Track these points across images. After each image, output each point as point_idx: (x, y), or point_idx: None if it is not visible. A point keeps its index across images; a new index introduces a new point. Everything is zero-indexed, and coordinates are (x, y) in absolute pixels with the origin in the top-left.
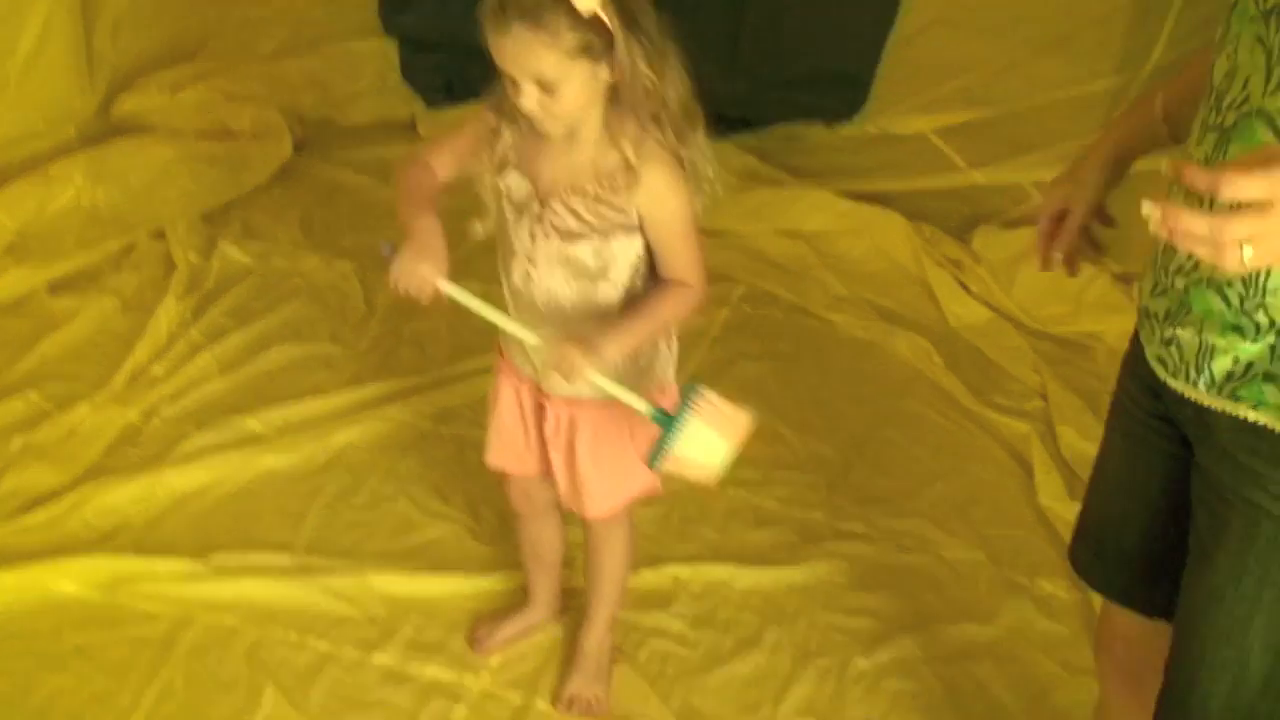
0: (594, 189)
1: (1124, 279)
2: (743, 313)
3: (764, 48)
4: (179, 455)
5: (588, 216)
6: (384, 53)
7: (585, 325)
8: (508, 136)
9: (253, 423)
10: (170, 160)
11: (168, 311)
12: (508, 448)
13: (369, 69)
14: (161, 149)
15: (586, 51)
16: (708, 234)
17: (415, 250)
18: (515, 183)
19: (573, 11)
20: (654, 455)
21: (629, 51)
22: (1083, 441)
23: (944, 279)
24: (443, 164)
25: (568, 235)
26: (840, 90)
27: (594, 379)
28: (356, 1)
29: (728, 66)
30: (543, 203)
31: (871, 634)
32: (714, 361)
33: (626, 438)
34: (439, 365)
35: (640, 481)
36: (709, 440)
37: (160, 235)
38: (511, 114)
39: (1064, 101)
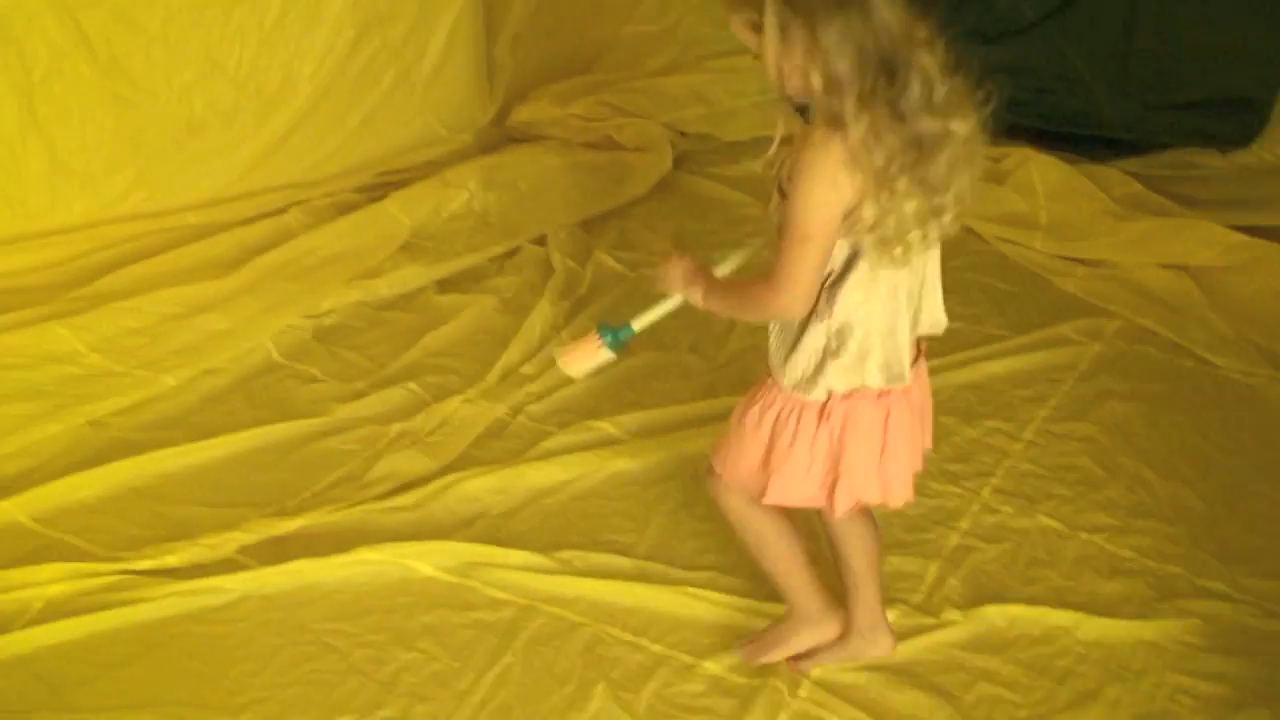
0: None
1: None
2: (1116, 348)
3: (1156, 69)
4: (539, 452)
5: None
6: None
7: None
8: None
9: (609, 426)
10: (557, 170)
11: (542, 314)
12: None
13: (751, 86)
14: (550, 158)
15: None
16: (1085, 264)
17: None
18: None
19: None
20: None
21: None
22: None
23: None
24: None
25: None
26: (1236, 115)
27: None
28: None
29: (1117, 88)
30: None
31: (1224, 701)
32: (1079, 398)
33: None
34: None
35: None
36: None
37: (542, 241)
38: None
39: None
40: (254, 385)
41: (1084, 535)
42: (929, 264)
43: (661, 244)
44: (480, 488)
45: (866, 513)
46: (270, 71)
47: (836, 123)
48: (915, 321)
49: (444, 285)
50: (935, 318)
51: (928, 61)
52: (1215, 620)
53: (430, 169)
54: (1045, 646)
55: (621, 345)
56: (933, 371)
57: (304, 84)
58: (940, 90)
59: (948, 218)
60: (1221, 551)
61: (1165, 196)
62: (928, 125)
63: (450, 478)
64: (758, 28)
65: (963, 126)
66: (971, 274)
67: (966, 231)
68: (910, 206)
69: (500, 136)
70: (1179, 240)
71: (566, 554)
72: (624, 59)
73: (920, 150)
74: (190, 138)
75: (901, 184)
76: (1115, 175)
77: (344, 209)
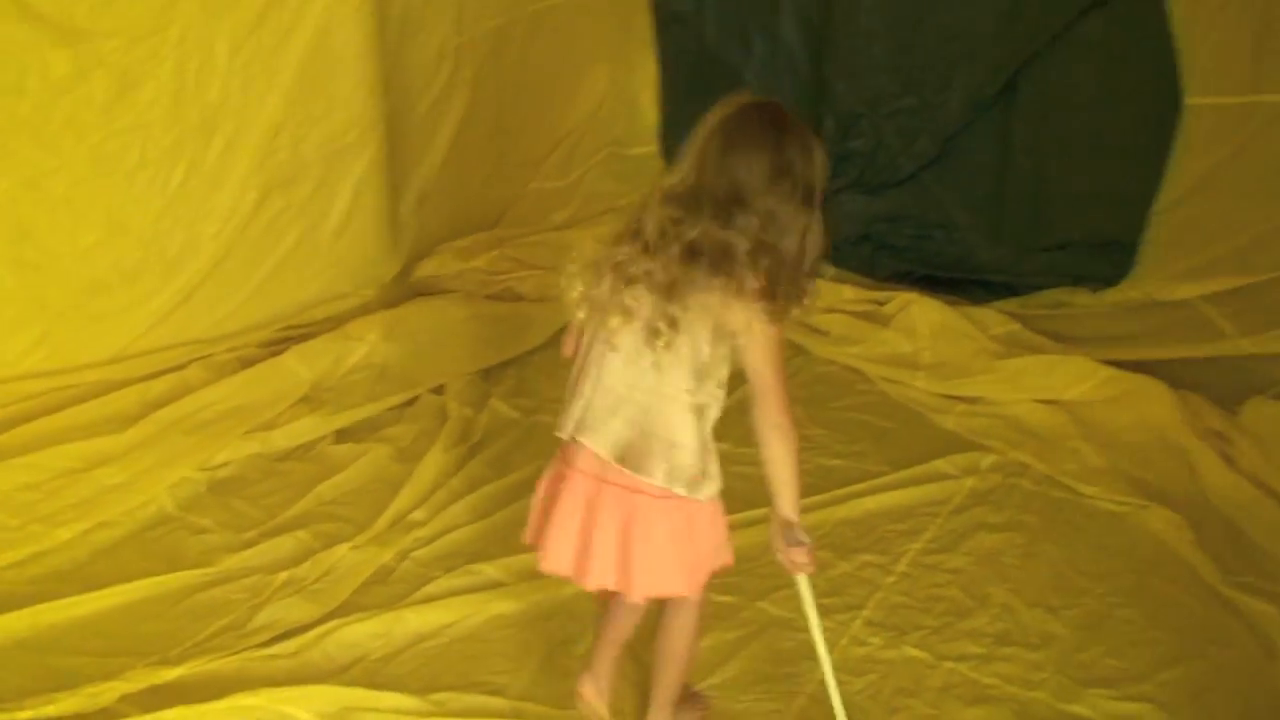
0: None
1: None
2: (990, 482)
3: (1028, 214)
4: (422, 596)
5: None
6: None
7: None
8: None
9: (492, 569)
10: (458, 321)
11: (434, 460)
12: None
13: None
14: (452, 310)
15: None
16: (965, 401)
17: None
18: None
19: None
20: None
21: None
22: None
23: (1206, 452)
24: None
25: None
26: (1105, 256)
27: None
28: (643, 173)
29: (992, 233)
30: None
31: None
32: (952, 531)
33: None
34: None
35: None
36: None
37: (441, 390)
38: None
39: None
40: (147, 537)
41: (949, 664)
42: None
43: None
44: (360, 633)
45: None
46: (174, 233)
47: None
48: None
49: (341, 435)
50: None
51: None
52: None
53: (333, 323)
54: None
55: None
56: (811, 508)
57: (207, 244)
58: None
59: None
60: (1085, 676)
61: (1041, 334)
62: None
63: (331, 624)
64: None
65: None
66: (854, 413)
67: (852, 372)
68: None
69: (404, 291)
70: (1053, 376)
71: (441, 696)
72: (527, 214)
73: None
74: (93, 298)
75: None
76: (993, 315)
77: (245, 363)
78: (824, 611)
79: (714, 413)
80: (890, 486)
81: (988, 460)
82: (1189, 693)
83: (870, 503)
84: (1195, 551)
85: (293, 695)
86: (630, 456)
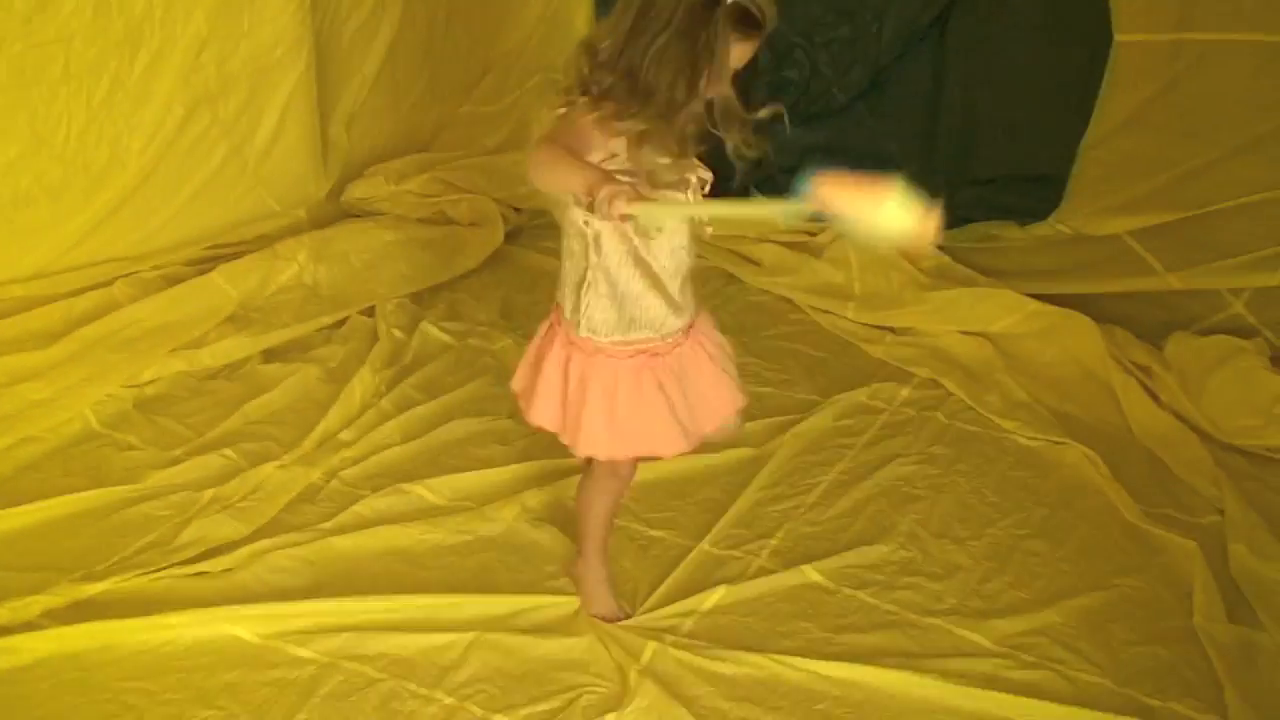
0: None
1: None
2: (904, 415)
3: (959, 147)
4: (350, 515)
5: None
6: None
7: None
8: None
9: (422, 489)
10: (390, 244)
11: (363, 382)
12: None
13: None
14: (383, 233)
15: None
16: (894, 331)
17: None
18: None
19: None
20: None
21: None
22: (1256, 560)
23: (1131, 386)
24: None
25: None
26: (1035, 190)
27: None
28: None
29: (924, 166)
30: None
31: None
32: (864, 463)
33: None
34: None
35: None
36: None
37: (371, 312)
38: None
39: (1265, 204)
40: (71, 453)
41: (848, 590)
42: None
43: (487, 314)
44: (290, 553)
45: None
46: (98, 148)
47: None
48: None
49: (269, 355)
50: None
51: None
52: (969, 675)
53: (262, 243)
54: (801, 694)
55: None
56: (736, 442)
57: (132, 160)
58: None
59: None
60: (986, 607)
61: (970, 267)
62: None
63: (261, 544)
64: None
65: None
66: (786, 341)
67: (784, 301)
68: None
69: (335, 212)
70: (981, 308)
71: (371, 608)
72: (460, 138)
73: None
74: (16, 212)
75: None
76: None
77: (172, 281)
78: (733, 541)
79: (607, 244)
80: (808, 416)
81: (904, 392)
82: (1092, 623)
83: (789, 435)
84: (1111, 485)
85: (226, 614)
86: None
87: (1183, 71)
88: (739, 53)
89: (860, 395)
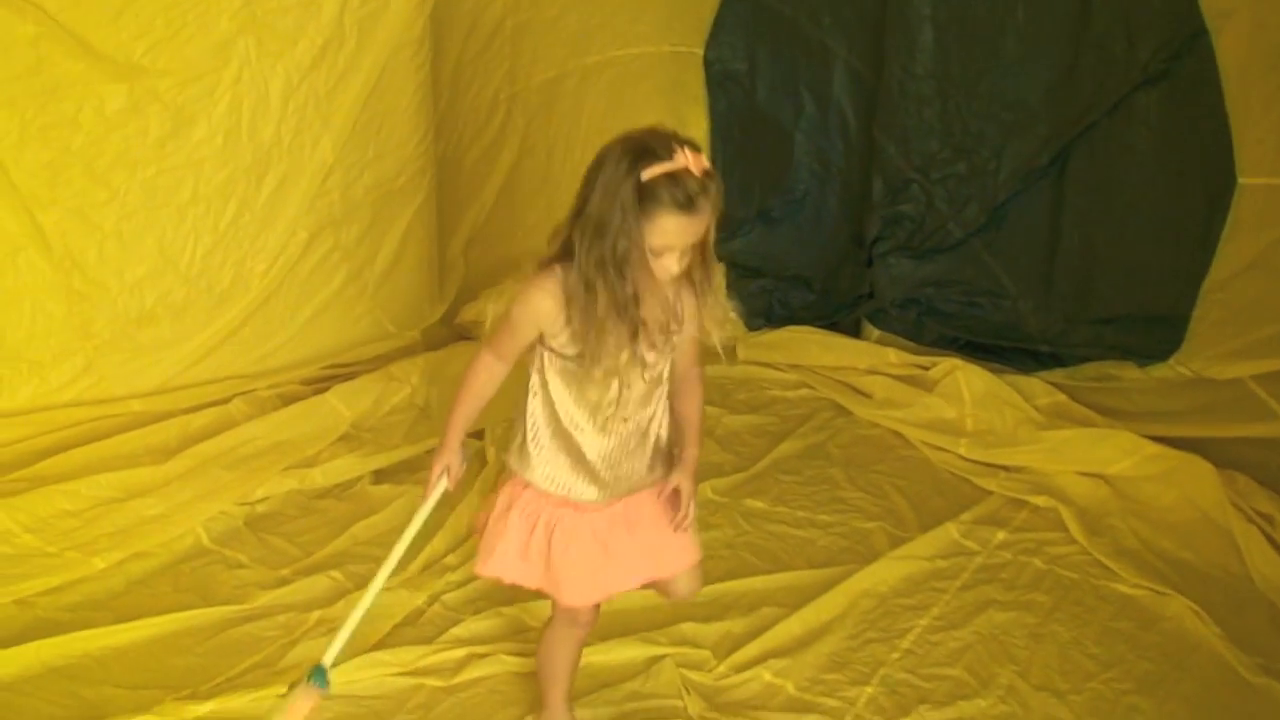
0: (670, 322)
1: None
2: (1000, 558)
3: (1077, 285)
4: (449, 637)
5: (664, 346)
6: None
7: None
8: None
9: (521, 613)
10: None
11: (470, 505)
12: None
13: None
14: None
15: None
16: (1003, 470)
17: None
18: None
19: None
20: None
21: None
22: None
23: (1253, 534)
24: (511, 359)
25: (653, 367)
26: (1155, 331)
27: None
28: None
29: (1041, 303)
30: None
31: None
32: (959, 608)
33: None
34: None
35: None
36: None
37: (480, 435)
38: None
39: None
40: (181, 570)
41: None
42: None
43: None
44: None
45: None
46: (223, 269)
47: None
48: None
49: (380, 476)
50: None
51: None
52: None
53: (376, 364)
54: None
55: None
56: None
57: (255, 281)
58: None
59: None
60: None
61: (1086, 407)
62: None
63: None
64: None
65: None
66: (894, 478)
67: (895, 435)
68: None
69: (449, 335)
70: (1098, 449)
71: None
72: None
73: None
74: (140, 329)
75: None
76: (1039, 385)
77: (288, 400)
78: (828, 688)
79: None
80: (901, 558)
81: (999, 536)
82: None
83: (881, 573)
84: (1218, 638)
85: None
86: None
87: None
88: (671, 228)
89: (955, 535)
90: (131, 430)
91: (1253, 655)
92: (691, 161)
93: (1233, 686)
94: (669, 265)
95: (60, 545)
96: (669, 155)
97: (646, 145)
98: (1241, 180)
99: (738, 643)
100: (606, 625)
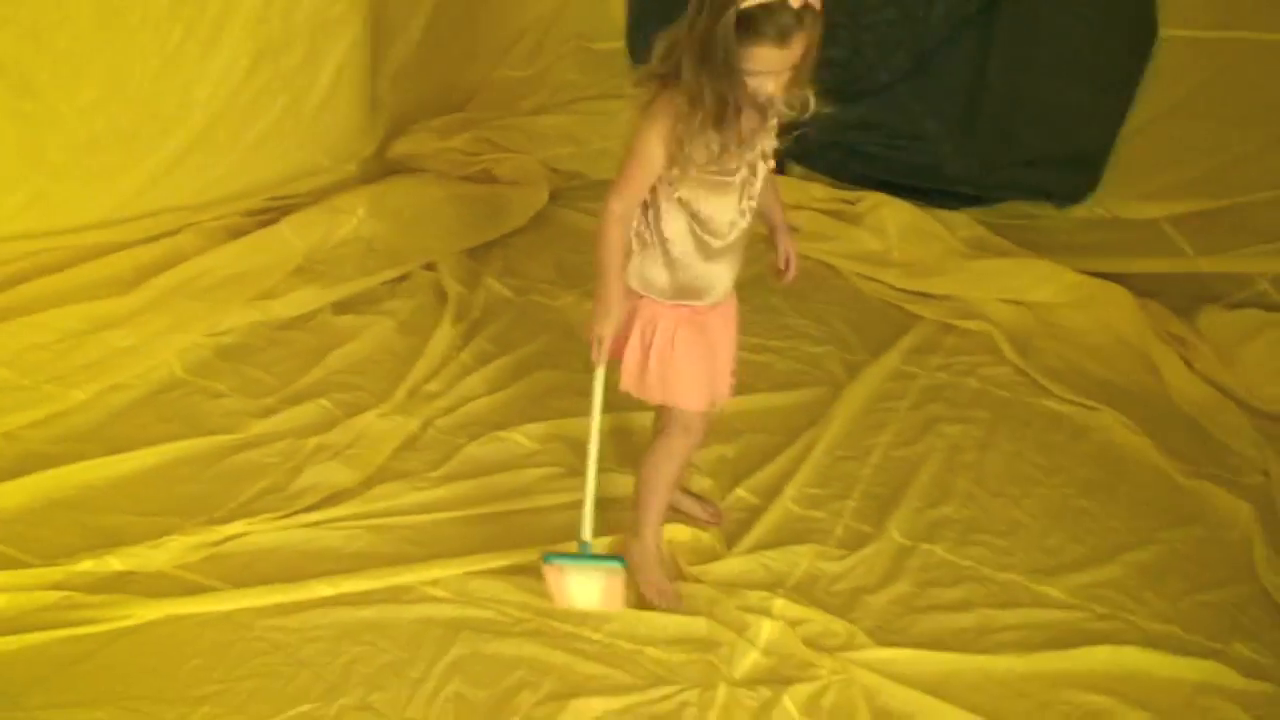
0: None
1: None
2: (938, 379)
3: (999, 130)
4: (461, 459)
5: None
6: None
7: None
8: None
9: (519, 436)
10: (439, 200)
11: (444, 334)
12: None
13: (616, 129)
14: (431, 189)
15: None
16: (931, 298)
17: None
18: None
19: None
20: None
21: None
22: None
23: (1168, 354)
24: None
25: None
26: (1072, 173)
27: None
28: (610, 67)
29: (962, 146)
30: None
31: None
32: (912, 425)
33: None
34: None
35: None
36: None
37: (431, 267)
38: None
39: None
40: (161, 400)
41: (925, 547)
42: None
43: (543, 272)
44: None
45: None
46: (168, 94)
47: None
48: None
49: (339, 307)
50: None
51: None
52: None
53: (314, 196)
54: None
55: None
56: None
57: (199, 107)
58: None
59: None
60: (1052, 562)
61: (1008, 241)
62: None
63: (376, 489)
64: None
65: None
66: (832, 305)
67: (825, 267)
68: None
69: (381, 168)
70: (1020, 277)
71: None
72: (496, 100)
73: None
74: (90, 156)
75: None
76: (960, 218)
77: (235, 232)
78: (815, 501)
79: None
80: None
81: (934, 360)
82: (1150, 575)
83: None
84: (1153, 450)
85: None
86: None
87: (1224, 67)
88: (767, 57)
89: (894, 357)
90: (84, 263)
91: (1180, 462)
92: None
93: (1167, 488)
94: (766, 86)
95: (35, 378)
96: None
97: None
98: (1163, 32)
99: (735, 467)
100: None
